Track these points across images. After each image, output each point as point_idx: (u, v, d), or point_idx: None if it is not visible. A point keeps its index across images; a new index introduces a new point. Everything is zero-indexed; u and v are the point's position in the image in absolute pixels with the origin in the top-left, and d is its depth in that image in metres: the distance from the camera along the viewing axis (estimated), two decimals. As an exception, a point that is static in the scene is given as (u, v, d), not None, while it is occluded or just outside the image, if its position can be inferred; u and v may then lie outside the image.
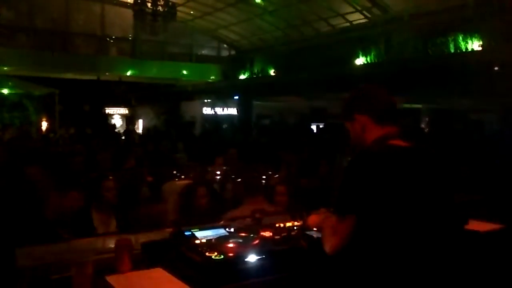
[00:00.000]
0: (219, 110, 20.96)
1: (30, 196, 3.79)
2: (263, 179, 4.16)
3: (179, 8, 13.36)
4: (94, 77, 17.23)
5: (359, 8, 13.45)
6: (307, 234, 2.25)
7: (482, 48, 9.86)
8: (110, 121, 18.53)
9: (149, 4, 11.51)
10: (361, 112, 1.89)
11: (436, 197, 1.75)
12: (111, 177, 3.69)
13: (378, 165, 1.70)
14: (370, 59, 12.88)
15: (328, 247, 1.77)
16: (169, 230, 2.34)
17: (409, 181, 1.70)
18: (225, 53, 20.16)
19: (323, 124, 15.78)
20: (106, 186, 3.57)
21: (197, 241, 2.15)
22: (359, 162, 1.75)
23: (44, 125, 14.29)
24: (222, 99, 19.56)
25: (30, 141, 8.55)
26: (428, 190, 1.73)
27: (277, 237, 2.24)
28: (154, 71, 18.00)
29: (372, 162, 1.71)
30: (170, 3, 11.72)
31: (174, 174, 5.42)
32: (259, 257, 1.98)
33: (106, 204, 3.56)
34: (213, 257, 1.95)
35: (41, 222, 3.18)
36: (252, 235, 2.26)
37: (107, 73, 17.52)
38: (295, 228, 2.35)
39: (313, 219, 2.14)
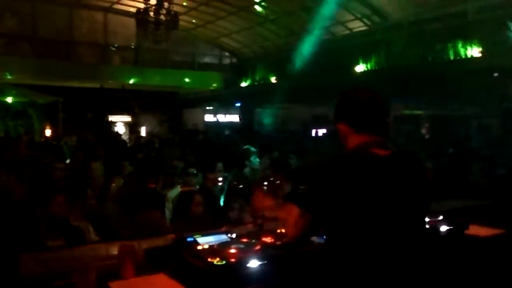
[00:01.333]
0: (221, 117, 21.02)
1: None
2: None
3: (181, 17, 13.44)
4: (97, 85, 17.33)
5: (359, 16, 13.52)
6: (308, 240, 2.27)
7: (482, 55, 9.89)
8: (113, 128, 18.56)
9: (151, 13, 11.60)
10: (341, 120, 1.88)
11: (407, 205, 1.72)
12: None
13: (344, 171, 1.70)
14: (371, 66, 12.92)
15: (288, 236, 1.87)
16: (172, 236, 2.36)
17: (374, 189, 1.67)
18: (226, 61, 20.26)
19: (325, 130, 15.83)
20: (90, 195, 3.60)
21: (199, 247, 2.17)
22: (329, 165, 1.75)
23: (48, 133, 14.32)
24: (224, 106, 19.62)
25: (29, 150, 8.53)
26: (398, 198, 1.70)
27: (278, 242, 2.26)
28: (157, 79, 18.09)
29: (339, 168, 1.72)
30: (173, 12, 11.80)
31: (177, 180, 5.44)
32: (260, 263, 2.00)
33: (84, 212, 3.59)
34: (215, 262, 1.97)
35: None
36: (253, 240, 2.28)
37: (110, 81, 17.62)
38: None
39: (263, 202, 2.16)
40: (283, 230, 1.96)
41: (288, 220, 1.86)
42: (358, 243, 1.67)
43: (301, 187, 1.85)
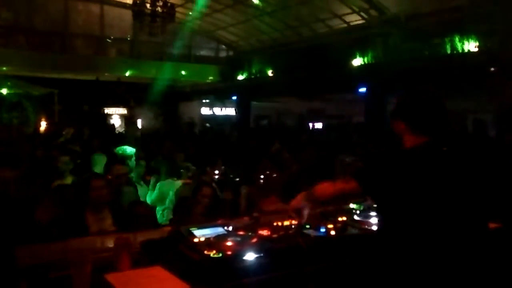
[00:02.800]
0: (217, 111, 20.98)
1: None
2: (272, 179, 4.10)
3: (177, 9, 13.36)
4: (93, 78, 17.23)
5: (356, 9, 13.49)
6: (305, 232, 2.27)
7: (479, 49, 9.89)
8: (109, 121, 18.50)
9: (148, 5, 11.52)
10: (401, 118, 1.93)
11: (464, 199, 1.77)
12: (98, 177, 3.70)
13: (405, 164, 1.81)
14: (368, 60, 12.91)
15: (321, 187, 2.10)
16: (168, 228, 2.35)
17: (434, 183, 1.74)
18: (223, 54, 20.18)
19: (321, 124, 15.84)
20: (93, 185, 3.57)
21: (196, 240, 2.16)
22: (391, 156, 1.91)
23: (43, 125, 14.24)
24: (220, 99, 19.58)
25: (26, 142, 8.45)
26: (454, 192, 1.75)
27: (274, 235, 2.26)
28: (153, 72, 18.02)
29: (400, 160, 1.84)
30: (169, 4, 11.73)
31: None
32: (257, 255, 2.00)
33: (96, 203, 3.55)
34: (211, 255, 1.97)
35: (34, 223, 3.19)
36: (250, 233, 2.28)
37: (106, 74, 17.53)
38: (292, 226, 2.37)
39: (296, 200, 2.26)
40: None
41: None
42: (413, 235, 1.73)
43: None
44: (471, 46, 10.12)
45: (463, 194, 1.77)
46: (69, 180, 5.06)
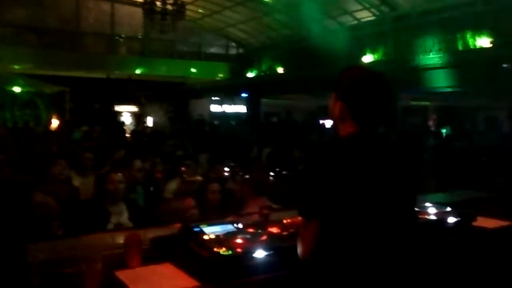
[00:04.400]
0: (227, 108, 21.00)
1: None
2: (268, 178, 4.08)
3: (188, 7, 13.38)
4: (104, 76, 17.36)
5: (367, 6, 13.39)
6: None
7: (492, 45, 9.76)
8: (119, 118, 18.62)
9: (158, 3, 11.57)
10: (344, 100, 1.69)
11: (399, 192, 1.63)
12: (118, 172, 3.75)
13: (340, 162, 1.56)
14: (378, 57, 12.82)
15: (298, 252, 1.66)
16: (178, 225, 2.36)
17: (371, 178, 1.57)
18: (233, 51, 20.19)
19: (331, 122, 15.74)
20: (111, 178, 3.65)
21: (206, 237, 2.17)
22: (322, 156, 1.60)
23: (55, 123, 14.38)
24: (230, 97, 19.60)
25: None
26: (391, 185, 1.61)
27: (284, 233, 2.26)
28: (163, 69, 18.09)
29: (334, 158, 1.57)
30: (179, 2, 11.76)
31: (182, 171, 5.43)
32: (266, 253, 2.00)
33: (113, 196, 3.63)
34: (221, 252, 1.97)
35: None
36: (260, 231, 2.28)
37: (116, 72, 17.64)
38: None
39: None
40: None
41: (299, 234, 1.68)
42: (352, 234, 1.55)
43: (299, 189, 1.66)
44: (484, 42, 9.98)
45: (397, 186, 1.62)
46: None
